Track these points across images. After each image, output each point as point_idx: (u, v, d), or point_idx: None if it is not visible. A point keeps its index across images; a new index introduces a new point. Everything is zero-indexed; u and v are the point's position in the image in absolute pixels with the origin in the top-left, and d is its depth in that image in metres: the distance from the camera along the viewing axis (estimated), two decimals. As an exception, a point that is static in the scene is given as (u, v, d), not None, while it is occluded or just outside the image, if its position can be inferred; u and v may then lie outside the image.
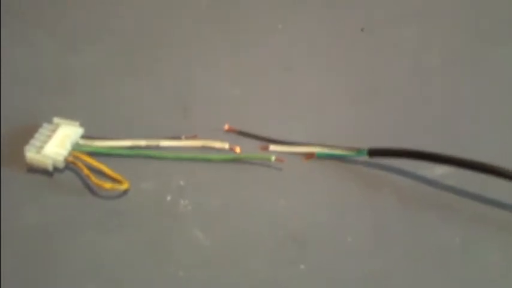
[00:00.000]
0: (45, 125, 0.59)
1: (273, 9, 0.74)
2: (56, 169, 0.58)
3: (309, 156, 0.60)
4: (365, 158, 0.59)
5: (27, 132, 0.59)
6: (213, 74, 0.67)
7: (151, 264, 0.53)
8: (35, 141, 0.58)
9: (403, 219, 0.56)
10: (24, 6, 0.72)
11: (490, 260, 0.54)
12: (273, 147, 0.60)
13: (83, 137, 0.59)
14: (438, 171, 0.59)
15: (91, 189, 0.57)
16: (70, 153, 0.58)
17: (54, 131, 0.59)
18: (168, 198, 0.56)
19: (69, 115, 0.60)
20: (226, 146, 0.60)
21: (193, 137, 0.60)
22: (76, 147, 0.58)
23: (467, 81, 0.67)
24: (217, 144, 0.60)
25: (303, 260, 0.53)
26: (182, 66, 0.67)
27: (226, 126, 0.61)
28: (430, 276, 0.53)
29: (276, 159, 0.59)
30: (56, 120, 0.60)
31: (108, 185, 0.56)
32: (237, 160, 0.59)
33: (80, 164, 0.57)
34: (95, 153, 0.58)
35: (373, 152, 0.58)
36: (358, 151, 0.59)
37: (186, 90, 0.65)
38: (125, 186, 0.56)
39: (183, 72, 0.67)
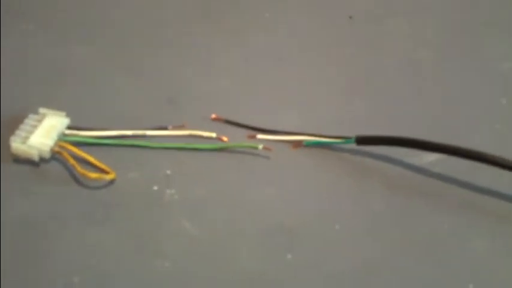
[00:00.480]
0: (31, 115, 0.59)
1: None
2: (42, 159, 0.57)
3: (297, 144, 0.59)
4: (353, 145, 0.59)
5: (13, 123, 0.58)
6: (200, 64, 0.66)
7: (138, 255, 0.52)
8: (21, 132, 0.58)
9: (392, 206, 0.56)
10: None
11: (479, 247, 0.54)
12: (260, 136, 0.60)
13: (69, 127, 0.59)
14: (426, 158, 0.58)
15: (77, 180, 0.56)
16: (56, 144, 0.57)
17: (40, 121, 0.59)
18: (155, 188, 0.56)
19: (56, 106, 0.60)
20: (213, 135, 0.60)
21: (180, 126, 0.60)
22: (62, 137, 0.58)
23: (457, 71, 0.67)
24: (205, 134, 0.60)
25: (290, 249, 0.53)
26: (170, 57, 0.67)
27: (213, 115, 0.61)
28: (418, 263, 0.53)
29: (264, 148, 0.58)
30: (42, 110, 0.59)
31: (94, 175, 0.56)
32: (224, 149, 0.59)
33: (65, 154, 0.57)
34: (81, 144, 0.58)
35: (361, 140, 0.58)
36: (346, 139, 0.59)
37: (174, 80, 0.65)
38: (111, 176, 0.56)
39: (170, 63, 0.66)
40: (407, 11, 0.73)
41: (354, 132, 0.59)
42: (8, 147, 0.57)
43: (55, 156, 0.57)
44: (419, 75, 0.67)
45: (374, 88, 0.65)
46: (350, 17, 0.72)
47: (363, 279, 0.52)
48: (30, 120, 0.59)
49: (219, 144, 0.59)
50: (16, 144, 0.57)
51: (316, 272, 0.52)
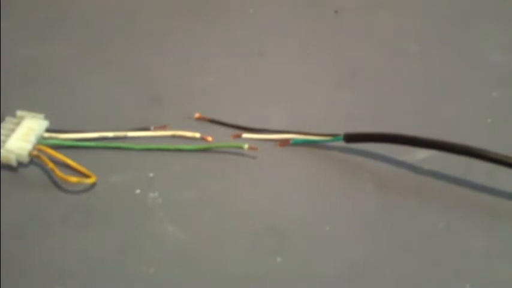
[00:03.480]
0: (8, 118, 0.58)
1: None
2: (20, 164, 0.56)
3: (283, 143, 0.58)
4: (341, 143, 0.57)
5: (-11, 127, 0.57)
6: (183, 61, 0.65)
7: (121, 262, 0.51)
8: (-2, 136, 0.57)
9: (383, 206, 0.55)
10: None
11: (474, 245, 0.52)
12: (246, 135, 0.59)
13: (48, 130, 0.58)
14: (418, 155, 0.57)
15: (57, 184, 0.55)
16: (34, 147, 0.56)
17: (17, 124, 0.57)
18: (138, 191, 0.55)
19: (34, 108, 0.58)
20: (197, 135, 0.58)
21: (163, 127, 0.58)
22: (41, 140, 0.57)
23: (446, 64, 0.66)
24: (188, 134, 0.58)
25: (279, 252, 0.51)
26: (150, 54, 0.66)
27: (197, 115, 0.59)
28: (413, 263, 0.51)
29: (250, 148, 0.57)
30: (19, 113, 0.58)
31: (74, 179, 0.54)
32: (209, 149, 0.58)
33: (44, 158, 0.55)
34: (61, 146, 0.57)
35: (350, 137, 0.57)
36: (334, 136, 0.57)
37: (156, 79, 0.64)
38: (91, 180, 0.55)
39: (152, 61, 0.65)
40: (394, 3, 0.72)
41: (343, 129, 0.57)
42: (-16, 152, 0.55)
43: (34, 160, 0.56)
44: (407, 68, 0.66)
45: (361, 83, 0.64)
46: (335, 12, 0.70)
47: (356, 281, 0.50)
48: (7, 123, 0.57)
49: (203, 145, 0.58)
50: (-8, 149, 0.56)
51: (307, 275, 0.50)
